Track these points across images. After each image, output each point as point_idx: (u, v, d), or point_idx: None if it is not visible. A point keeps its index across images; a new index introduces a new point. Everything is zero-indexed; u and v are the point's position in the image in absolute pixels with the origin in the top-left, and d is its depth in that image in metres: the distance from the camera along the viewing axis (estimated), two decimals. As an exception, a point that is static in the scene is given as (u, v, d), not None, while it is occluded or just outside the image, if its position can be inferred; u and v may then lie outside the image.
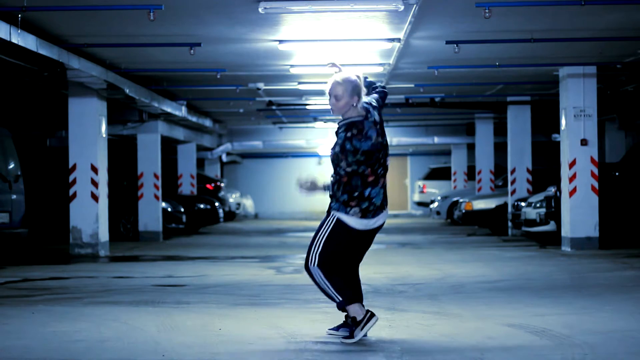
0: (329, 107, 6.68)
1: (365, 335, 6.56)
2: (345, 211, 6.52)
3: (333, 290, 6.55)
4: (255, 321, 7.67)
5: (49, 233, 20.12)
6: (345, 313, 6.68)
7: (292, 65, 16.05)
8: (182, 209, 22.26)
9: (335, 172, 6.53)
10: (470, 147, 28.97)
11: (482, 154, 25.31)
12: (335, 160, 6.50)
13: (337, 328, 6.85)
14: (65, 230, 16.65)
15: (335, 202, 6.57)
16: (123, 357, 6.12)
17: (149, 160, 20.85)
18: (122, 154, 23.61)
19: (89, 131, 15.96)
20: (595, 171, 15.94)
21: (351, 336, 6.56)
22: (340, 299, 6.54)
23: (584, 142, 15.96)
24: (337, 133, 6.57)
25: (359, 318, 6.55)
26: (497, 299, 9.04)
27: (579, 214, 15.85)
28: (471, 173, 29.18)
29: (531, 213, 17.87)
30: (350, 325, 6.61)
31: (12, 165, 14.31)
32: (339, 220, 6.55)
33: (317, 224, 6.71)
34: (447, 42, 13.08)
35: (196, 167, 26.44)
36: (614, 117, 22.45)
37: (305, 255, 6.60)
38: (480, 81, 18.70)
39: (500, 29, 12.65)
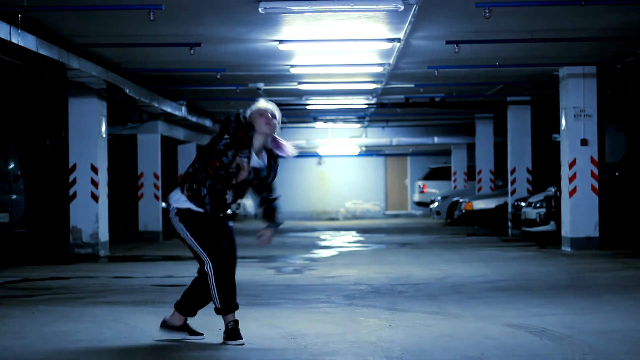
0: (271, 128, 6.58)
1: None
2: None
3: None
4: (255, 321, 7.67)
5: (49, 233, 20.10)
6: None
7: (292, 65, 16.04)
8: (182, 209, 22.19)
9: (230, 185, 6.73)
10: (470, 147, 28.95)
11: (482, 154, 25.30)
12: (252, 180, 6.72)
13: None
14: (65, 230, 16.64)
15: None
16: (123, 357, 6.11)
17: (149, 160, 20.84)
18: (122, 154, 23.59)
19: (89, 131, 15.96)
20: (595, 171, 15.94)
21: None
22: None
23: (584, 142, 15.95)
24: (274, 161, 6.74)
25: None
26: (497, 299, 9.04)
27: (579, 214, 15.84)
28: (471, 173, 29.16)
29: (531, 213, 17.87)
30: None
31: (12, 165, 14.31)
32: None
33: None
34: (447, 42, 13.07)
35: (196, 167, 26.36)
36: (614, 117, 22.47)
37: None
38: (480, 81, 18.69)
39: (500, 29, 12.65)
